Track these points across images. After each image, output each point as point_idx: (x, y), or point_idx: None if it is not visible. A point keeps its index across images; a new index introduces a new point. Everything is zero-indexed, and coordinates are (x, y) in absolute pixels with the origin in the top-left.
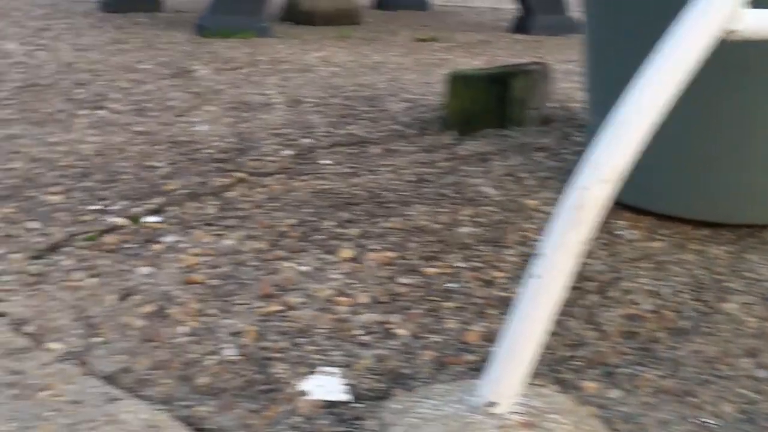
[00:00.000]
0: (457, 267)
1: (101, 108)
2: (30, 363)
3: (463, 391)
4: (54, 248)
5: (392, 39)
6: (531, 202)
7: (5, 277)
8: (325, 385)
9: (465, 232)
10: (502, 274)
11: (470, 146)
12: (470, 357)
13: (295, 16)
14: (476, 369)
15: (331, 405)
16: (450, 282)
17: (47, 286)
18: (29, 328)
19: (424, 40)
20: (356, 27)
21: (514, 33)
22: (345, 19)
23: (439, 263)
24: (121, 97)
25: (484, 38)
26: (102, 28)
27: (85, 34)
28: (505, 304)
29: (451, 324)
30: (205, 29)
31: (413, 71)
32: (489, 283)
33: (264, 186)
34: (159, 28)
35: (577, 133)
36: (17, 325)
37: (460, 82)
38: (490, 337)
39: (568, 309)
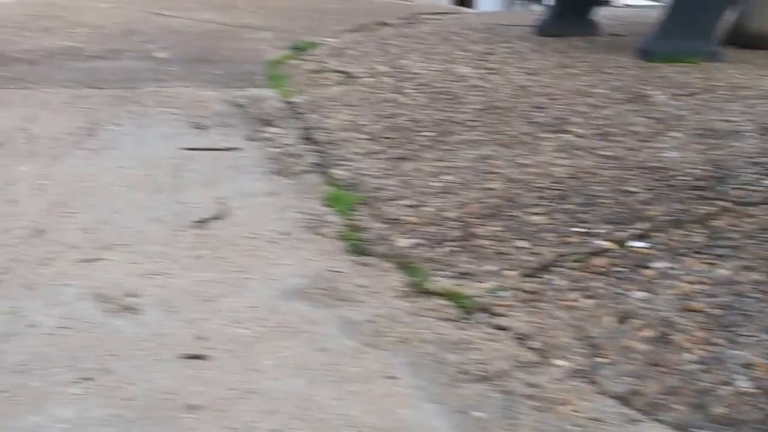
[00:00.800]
0: None
1: (564, 131)
2: (542, 377)
3: None
4: (545, 267)
5: None
6: None
7: (503, 293)
8: None
9: None
10: None
11: None
12: None
13: (740, 39)
14: None
15: None
16: None
17: (544, 303)
18: (534, 344)
19: None
20: None
21: None
22: None
23: None
24: (582, 121)
25: None
26: (543, 53)
27: (529, 58)
28: None
29: None
30: (649, 54)
31: None
32: None
33: (751, 216)
34: (600, 52)
35: None
36: (521, 339)
37: None
38: None
39: None
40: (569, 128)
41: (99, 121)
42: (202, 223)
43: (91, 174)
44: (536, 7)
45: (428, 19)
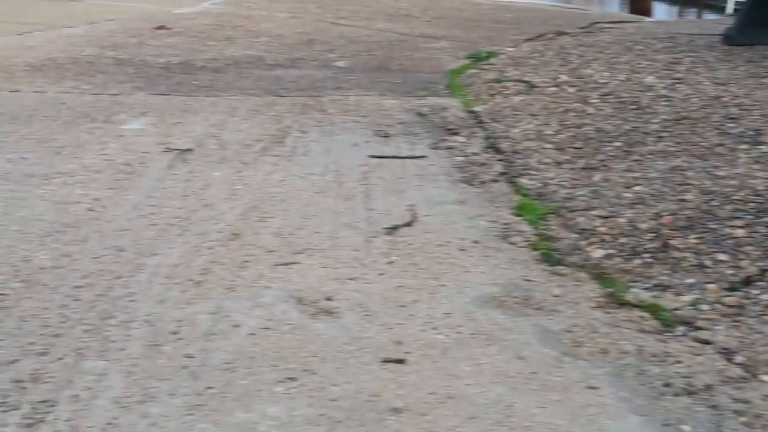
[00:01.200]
0: None
1: (760, 143)
2: (751, 393)
3: None
4: (747, 282)
5: None
6: None
7: (703, 306)
8: None
9: None
10: None
11: None
12: None
13: None
14: None
15: None
16: None
17: (747, 318)
18: (739, 358)
19: None
20: None
21: None
22: None
23: None
24: None
25: None
26: (732, 62)
27: (717, 67)
28: None
29: None
30: None
31: None
32: None
33: None
34: None
35: None
36: (726, 354)
37: None
38: None
39: None
40: (766, 140)
41: (285, 128)
42: (392, 229)
43: (282, 180)
44: (712, 16)
45: (607, 27)
